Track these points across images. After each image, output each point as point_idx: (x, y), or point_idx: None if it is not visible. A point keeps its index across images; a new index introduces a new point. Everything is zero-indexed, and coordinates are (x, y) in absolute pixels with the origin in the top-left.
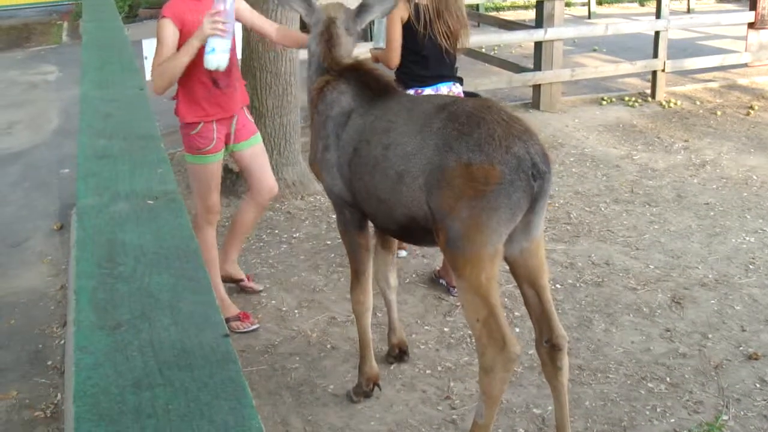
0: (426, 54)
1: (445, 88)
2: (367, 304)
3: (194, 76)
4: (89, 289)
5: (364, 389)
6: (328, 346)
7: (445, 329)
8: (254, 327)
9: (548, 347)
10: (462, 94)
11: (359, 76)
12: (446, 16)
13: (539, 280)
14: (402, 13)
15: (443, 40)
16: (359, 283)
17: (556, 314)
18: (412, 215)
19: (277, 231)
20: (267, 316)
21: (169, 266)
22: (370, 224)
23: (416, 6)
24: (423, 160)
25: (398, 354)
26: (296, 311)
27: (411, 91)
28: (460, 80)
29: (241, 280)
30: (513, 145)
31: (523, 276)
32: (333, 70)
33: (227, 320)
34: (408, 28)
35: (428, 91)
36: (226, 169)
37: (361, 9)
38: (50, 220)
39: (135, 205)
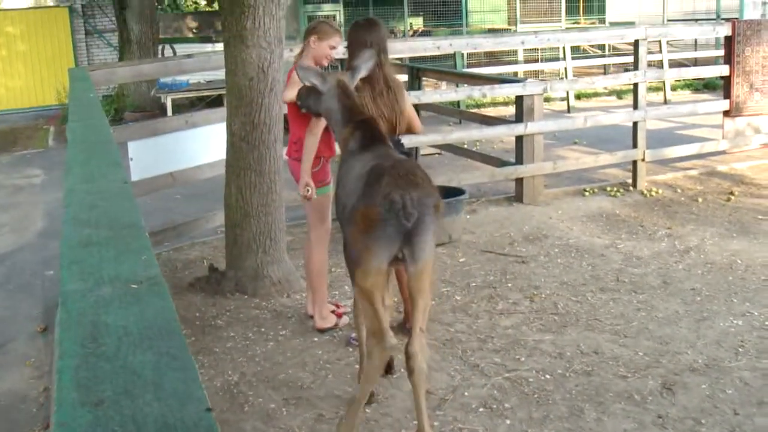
0: None
1: None
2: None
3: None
4: (72, 367)
5: None
6: None
7: (435, 423)
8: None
9: (406, 354)
10: None
11: (365, 128)
12: (380, 103)
13: (416, 299)
14: None
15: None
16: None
17: (418, 330)
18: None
19: (263, 329)
20: (254, 414)
21: (152, 345)
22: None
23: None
24: (353, 201)
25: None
26: (284, 409)
27: None
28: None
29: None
30: (392, 193)
31: (410, 290)
32: (354, 119)
33: (331, 329)
34: None
35: None
36: (212, 268)
37: (352, 70)
38: (34, 322)
39: (119, 289)
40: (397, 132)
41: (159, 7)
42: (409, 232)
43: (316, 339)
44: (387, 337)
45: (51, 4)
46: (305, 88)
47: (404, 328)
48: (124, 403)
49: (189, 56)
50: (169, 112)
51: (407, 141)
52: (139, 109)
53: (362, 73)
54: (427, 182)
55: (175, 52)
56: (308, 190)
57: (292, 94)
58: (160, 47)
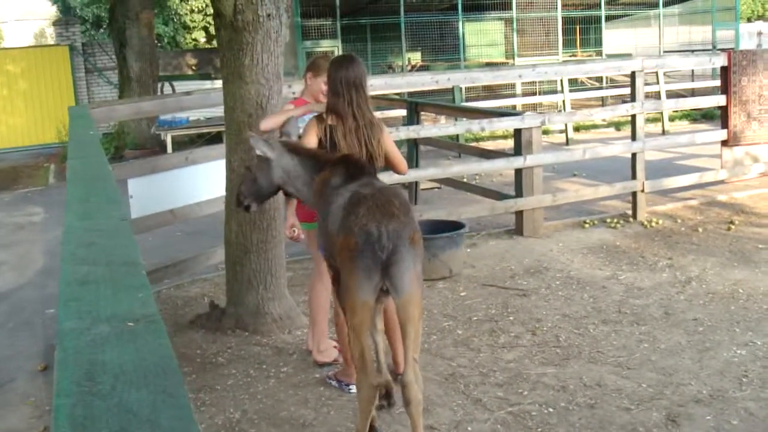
0: None
1: None
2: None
3: None
4: (68, 406)
5: None
6: None
7: None
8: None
9: (401, 383)
10: None
11: (348, 163)
12: (350, 140)
13: (405, 329)
14: (316, 130)
15: None
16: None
17: (411, 359)
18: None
19: (264, 366)
20: None
21: (148, 383)
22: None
23: (326, 128)
24: (337, 229)
25: (385, 395)
26: None
27: None
28: None
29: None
30: (368, 224)
31: (399, 320)
32: (328, 161)
33: (329, 364)
34: (321, 143)
35: None
36: (212, 305)
37: (284, 136)
38: (34, 360)
39: (115, 327)
40: (375, 169)
41: (159, 44)
42: (386, 263)
43: (317, 375)
44: (371, 376)
45: (51, 42)
46: (250, 175)
47: (394, 375)
48: None
49: (188, 93)
50: (169, 149)
51: (398, 179)
52: (139, 146)
53: (293, 137)
54: (404, 213)
55: (174, 90)
56: (294, 231)
57: (272, 122)
58: (159, 84)
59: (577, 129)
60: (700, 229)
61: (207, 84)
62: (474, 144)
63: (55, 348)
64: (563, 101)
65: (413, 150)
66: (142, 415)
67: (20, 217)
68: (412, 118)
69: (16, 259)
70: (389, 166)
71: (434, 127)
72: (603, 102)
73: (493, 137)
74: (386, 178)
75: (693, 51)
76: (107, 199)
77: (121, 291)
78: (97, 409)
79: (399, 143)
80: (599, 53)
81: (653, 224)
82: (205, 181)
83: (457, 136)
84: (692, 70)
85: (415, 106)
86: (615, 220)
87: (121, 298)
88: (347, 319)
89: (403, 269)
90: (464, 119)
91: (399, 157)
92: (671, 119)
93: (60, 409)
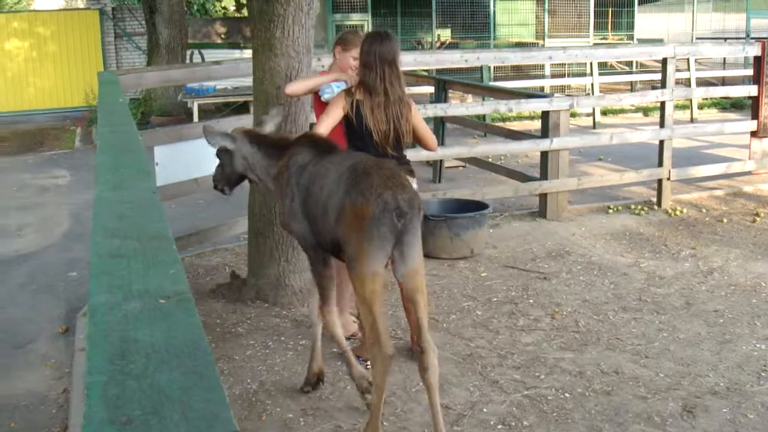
0: (364, 144)
1: None
2: (338, 321)
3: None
4: (101, 384)
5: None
6: None
7: None
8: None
9: (418, 350)
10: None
11: (311, 140)
12: (377, 114)
13: (415, 298)
14: (344, 103)
15: (379, 136)
16: (327, 306)
17: (425, 326)
18: (335, 240)
19: (283, 338)
20: (272, 424)
21: (180, 364)
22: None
23: (353, 102)
24: (336, 201)
25: (316, 382)
26: (301, 419)
27: None
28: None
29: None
30: (383, 193)
31: (405, 294)
32: (289, 143)
33: (348, 338)
34: (348, 118)
35: None
36: (233, 275)
37: (259, 123)
38: (56, 323)
39: (147, 304)
40: (402, 146)
41: (188, 12)
42: (400, 232)
43: (335, 349)
44: (385, 346)
45: (82, 6)
46: (220, 162)
47: (411, 353)
48: (153, 423)
49: (217, 63)
50: (196, 117)
51: (427, 156)
52: (166, 113)
53: (268, 127)
54: (410, 183)
55: (203, 58)
56: None
57: (298, 87)
58: (188, 52)
59: (604, 113)
60: (725, 220)
61: (236, 53)
62: (501, 124)
63: (80, 313)
64: (592, 84)
65: (440, 128)
66: (175, 397)
67: (45, 179)
68: (440, 96)
69: (41, 221)
70: (418, 143)
71: (462, 105)
72: (632, 87)
73: (520, 117)
74: (414, 154)
75: (726, 39)
76: (138, 169)
77: (153, 266)
78: (130, 389)
79: (426, 121)
80: (631, 37)
81: (677, 213)
82: None
83: (484, 115)
84: (724, 58)
85: (444, 83)
86: (639, 207)
87: (152, 273)
88: (356, 291)
89: (414, 239)
90: (492, 99)
91: (429, 134)
92: (700, 107)
93: (93, 386)
